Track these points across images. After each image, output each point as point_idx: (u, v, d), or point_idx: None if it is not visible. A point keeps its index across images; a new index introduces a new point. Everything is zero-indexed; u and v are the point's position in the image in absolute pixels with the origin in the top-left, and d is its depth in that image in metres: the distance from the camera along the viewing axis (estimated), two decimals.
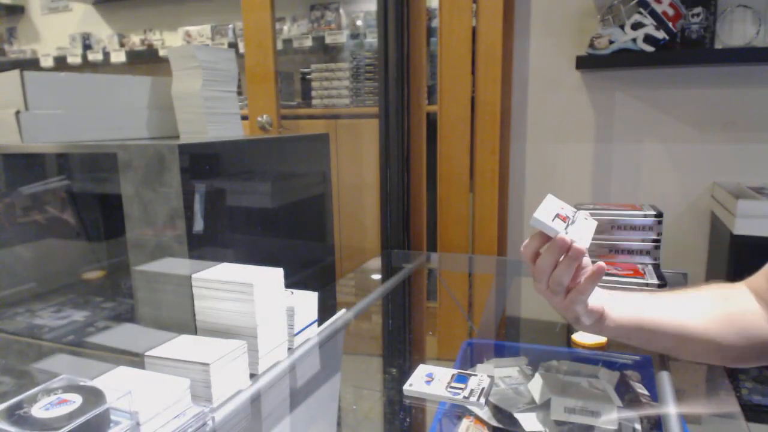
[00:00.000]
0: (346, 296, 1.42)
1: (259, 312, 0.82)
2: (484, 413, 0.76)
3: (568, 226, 0.67)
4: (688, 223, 1.61)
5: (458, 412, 0.78)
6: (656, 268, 1.25)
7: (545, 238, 0.67)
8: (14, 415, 0.58)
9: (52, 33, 3.41)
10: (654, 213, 1.27)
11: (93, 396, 0.61)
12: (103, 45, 3.24)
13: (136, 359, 0.84)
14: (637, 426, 0.73)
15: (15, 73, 1.05)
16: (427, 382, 0.84)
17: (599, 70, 1.62)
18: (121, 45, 3.19)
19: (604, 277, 0.66)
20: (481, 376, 0.85)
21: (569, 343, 1.02)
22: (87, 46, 3.24)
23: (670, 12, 1.43)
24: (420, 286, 1.55)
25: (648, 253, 1.28)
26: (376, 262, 1.70)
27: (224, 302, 0.83)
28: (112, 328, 1.07)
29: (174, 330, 0.89)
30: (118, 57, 3.08)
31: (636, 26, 1.46)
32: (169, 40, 3.11)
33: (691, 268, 1.58)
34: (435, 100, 1.75)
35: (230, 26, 2.90)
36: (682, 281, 1.39)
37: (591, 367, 0.89)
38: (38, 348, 1.01)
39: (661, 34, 1.44)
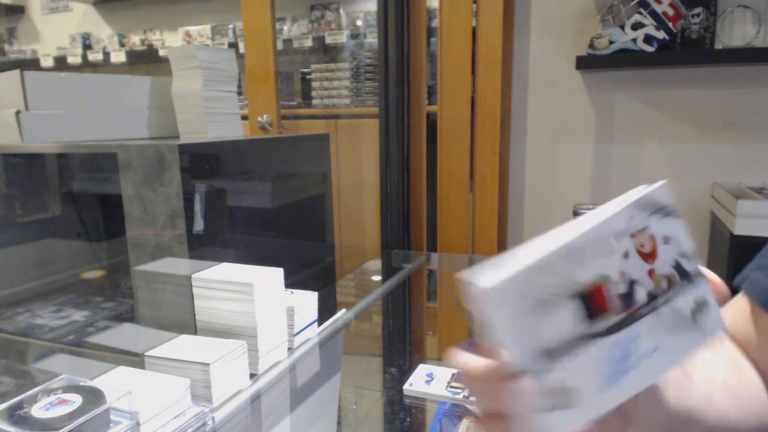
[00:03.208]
0: (346, 296, 1.42)
1: (259, 312, 0.82)
2: None
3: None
4: (688, 223, 1.59)
5: (458, 411, 0.78)
6: None
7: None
8: (14, 415, 0.58)
9: (52, 33, 3.41)
10: None
11: (93, 396, 0.61)
12: (103, 45, 3.23)
13: (136, 359, 0.83)
14: None
15: (15, 73, 1.05)
16: (427, 382, 0.84)
17: (599, 70, 1.62)
18: (121, 45, 3.19)
19: None
20: None
21: None
22: (87, 46, 3.24)
23: (670, 12, 1.43)
24: (420, 286, 1.55)
25: None
26: (376, 263, 1.70)
27: (224, 302, 0.83)
28: (112, 328, 1.07)
29: (174, 330, 0.89)
30: (118, 57, 3.08)
31: (636, 26, 1.46)
32: (169, 40, 3.11)
33: None
34: (435, 100, 1.75)
35: (230, 26, 2.90)
36: None
37: None
38: (38, 348, 1.01)
39: (661, 35, 1.44)
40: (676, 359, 0.28)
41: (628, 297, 0.27)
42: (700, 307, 0.29)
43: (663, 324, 0.27)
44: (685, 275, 0.28)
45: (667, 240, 0.28)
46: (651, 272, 0.27)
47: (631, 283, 0.27)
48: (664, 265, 0.28)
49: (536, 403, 0.24)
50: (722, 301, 0.30)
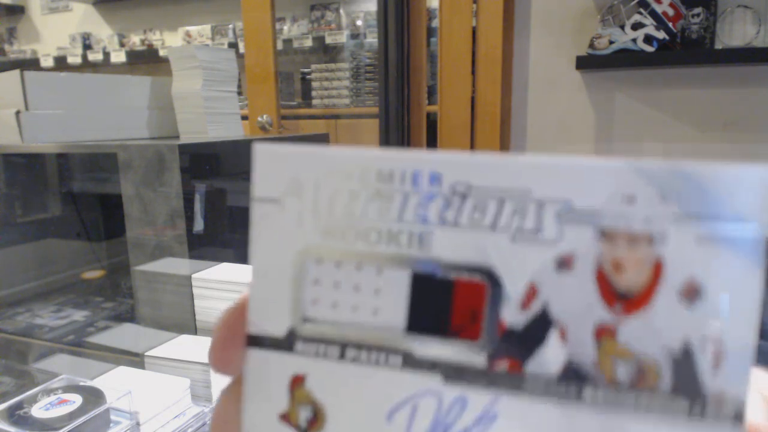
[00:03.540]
0: None
1: None
2: None
3: None
4: None
5: None
6: None
7: None
8: (14, 415, 0.58)
9: (52, 33, 3.41)
10: None
11: (93, 396, 0.61)
12: (103, 45, 3.24)
13: (136, 359, 0.83)
14: None
15: (15, 73, 1.05)
16: None
17: (599, 70, 1.62)
18: (121, 45, 3.19)
19: None
20: None
21: None
22: (87, 46, 3.25)
23: (670, 12, 1.43)
24: None
25: None
26: None
27: (224, 302, 0.83)
28: (112, 328, 1.07)
29: (174, 330, 0.89)
30: (118, 57, 3.08)
31: (636, 26, 1.46)
32: (169, 40, 3.11)
33: None
34: (435, 100, 1.75)
35: (230, 26, 2.90)
36: None
37: None
38: (38, 348, 1.01)
39: (661, 35, 1.44)
40: None
41: (518, 339, 0.13)
42: None
43: None
44: (689, 390, 0.12)
45: (694, 294, 0.12)
46: (604, 331, 0.13)
47: (541, 323, 0.13)
48: (650, 337, 0.12)
49: (256, 393, 0.15)
50: None
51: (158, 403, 0.65)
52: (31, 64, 3.36)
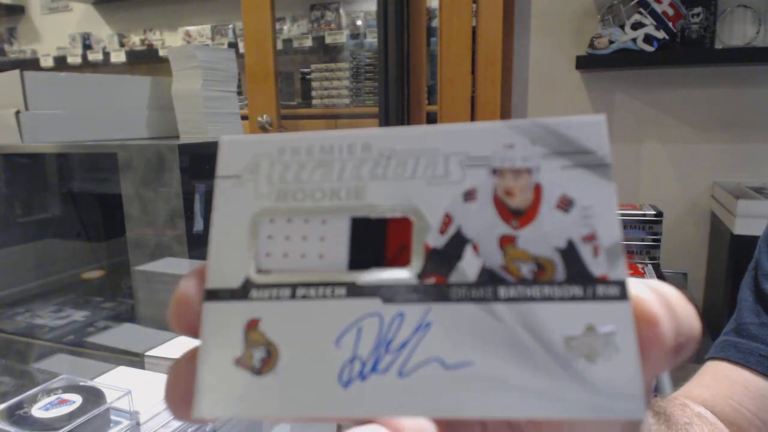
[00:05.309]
0: None
1: None
2: None
3: None
4: (688, 223, 1.61)
5: None
6: (656, 267, 1.25)
7: None
8: (14, 415, 0.58)
9: (52, 33, 3.41)
10: (654, 213, 1.27)
11: (93, 396, 0.61)
12: (103, 45, 3.24)
13: (136, 359, 0.83)
14: None
15: (15, 73, 1.05)
16: None
17: (599, 70, 1.62)
18: (121, 45, 3.19)
19: None
20: None
21: None
22: (87, 46, 3.24)
23: (670, 12, 1.43)
24: None
25: (648, 253, 1.28)
26: None
27: None
28: (112, 328, 1.07)
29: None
30: (118, 57, 3.08)
31: (636, 26, 1.46)
32: (169, 40, 3.11)
33: (691, 268, 1.58)
34: (435, 100, 1.75)
35: (230, 26, 2.90)
36: (682, 281, 1.39)
37: None
38: (38, 348, 1.01)
39: (661, 34, 1.44)
40: (508, 407, 0.15)
41: (440, 258, 0.16)
42: (595, 347, 0.15)
43: (490, 333, 0.15)
44: (580, 277, 0.15)
45: (567, 205, 0.16)
46: (506, 240, 0.16)
47: (457, 242, 0.16)
48: (542, 240, 0.16)
49: (215, 341, 0.16)
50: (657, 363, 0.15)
51: (158, 403, 0.65)
52: (31, 64, 3.36)
